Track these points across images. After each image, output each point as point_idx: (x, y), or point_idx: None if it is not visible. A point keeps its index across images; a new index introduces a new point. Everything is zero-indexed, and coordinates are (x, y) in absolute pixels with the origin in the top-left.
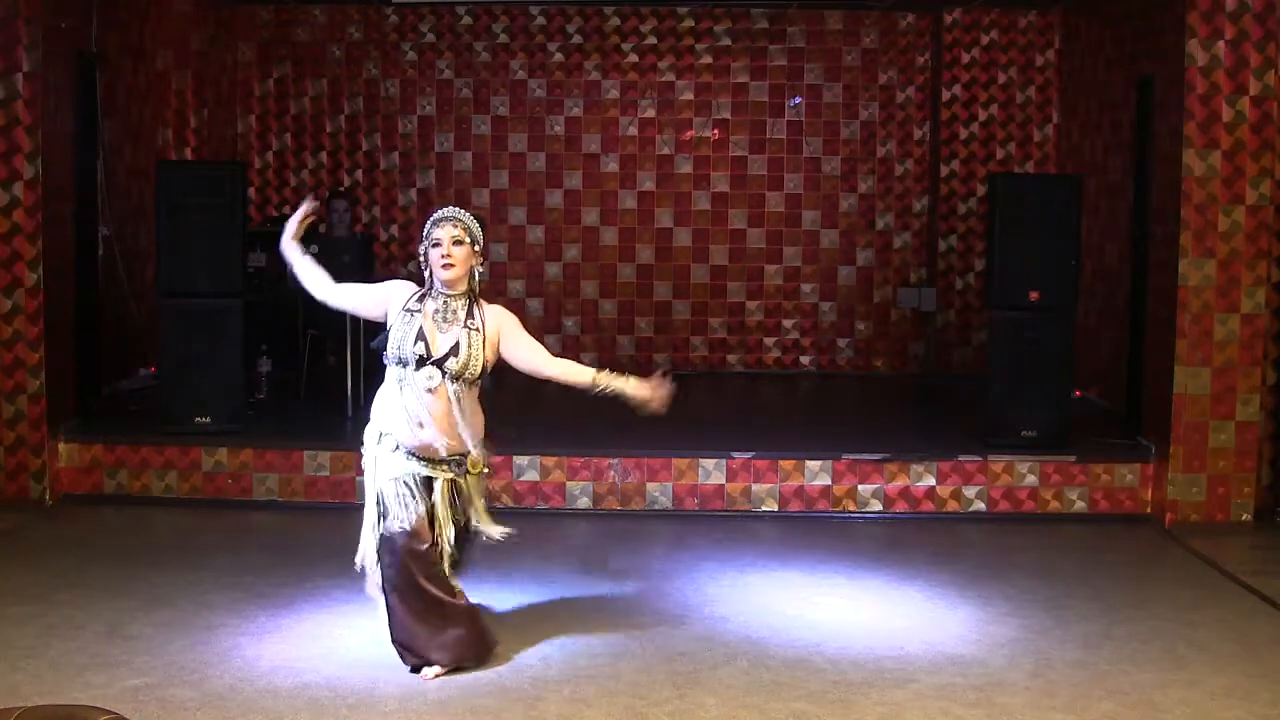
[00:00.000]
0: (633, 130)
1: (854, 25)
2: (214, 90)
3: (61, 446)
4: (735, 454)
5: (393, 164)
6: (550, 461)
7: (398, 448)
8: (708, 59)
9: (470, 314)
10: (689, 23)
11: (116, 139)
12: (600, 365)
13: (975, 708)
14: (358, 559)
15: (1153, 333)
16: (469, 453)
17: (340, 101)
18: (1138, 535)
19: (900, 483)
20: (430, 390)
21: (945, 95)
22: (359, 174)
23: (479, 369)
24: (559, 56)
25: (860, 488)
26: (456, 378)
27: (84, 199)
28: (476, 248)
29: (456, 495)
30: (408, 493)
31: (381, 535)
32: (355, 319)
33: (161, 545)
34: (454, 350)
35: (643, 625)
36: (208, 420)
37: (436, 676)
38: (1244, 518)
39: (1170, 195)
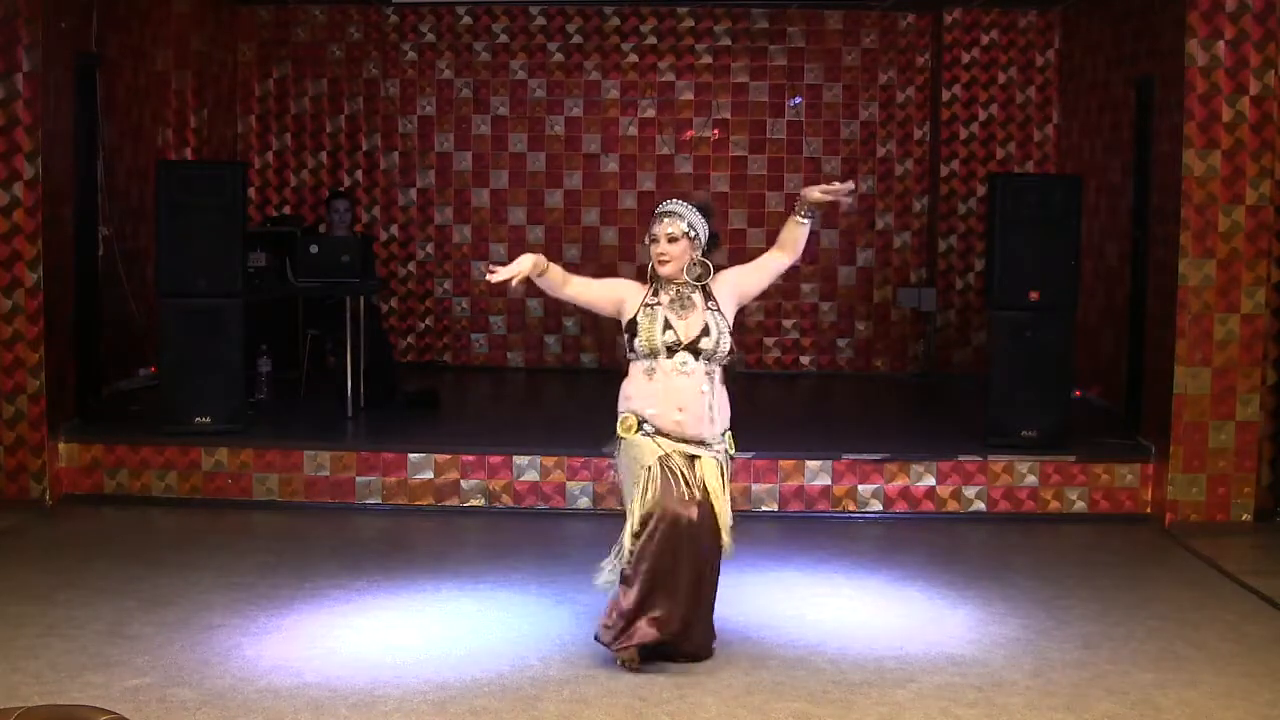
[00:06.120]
0: (633, 130)
1: (854, 25)
2: (214, 90)
3: (61, 446)
4: (735, 454)
5: (393, 164)
6: (550, 461)
7: (654, 433)
8: (708, 59)
9: (708, 295)
10: (689, 23)
11: (116, 139)
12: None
13: (975, 707)
14: (609, 562)
15: (1153, 333)
16: (721, 435)
17: (340, 101)
18: (1138, 535)
19: (900, 483)
20: (685, 374)
21: (945, 95)
22: (359, 174)
23: (727, 346)
24: (559, 56)
25: (860, 488)
26: (709, 359)
27: (84, 199)
28: (695, 238)
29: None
30: (679, 466)
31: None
32: (355, 319)
33: (161, 545)
34: (705, 332)
35: None
36: (208, 420)
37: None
38: (1244, 518)
39: (1170, 195)
